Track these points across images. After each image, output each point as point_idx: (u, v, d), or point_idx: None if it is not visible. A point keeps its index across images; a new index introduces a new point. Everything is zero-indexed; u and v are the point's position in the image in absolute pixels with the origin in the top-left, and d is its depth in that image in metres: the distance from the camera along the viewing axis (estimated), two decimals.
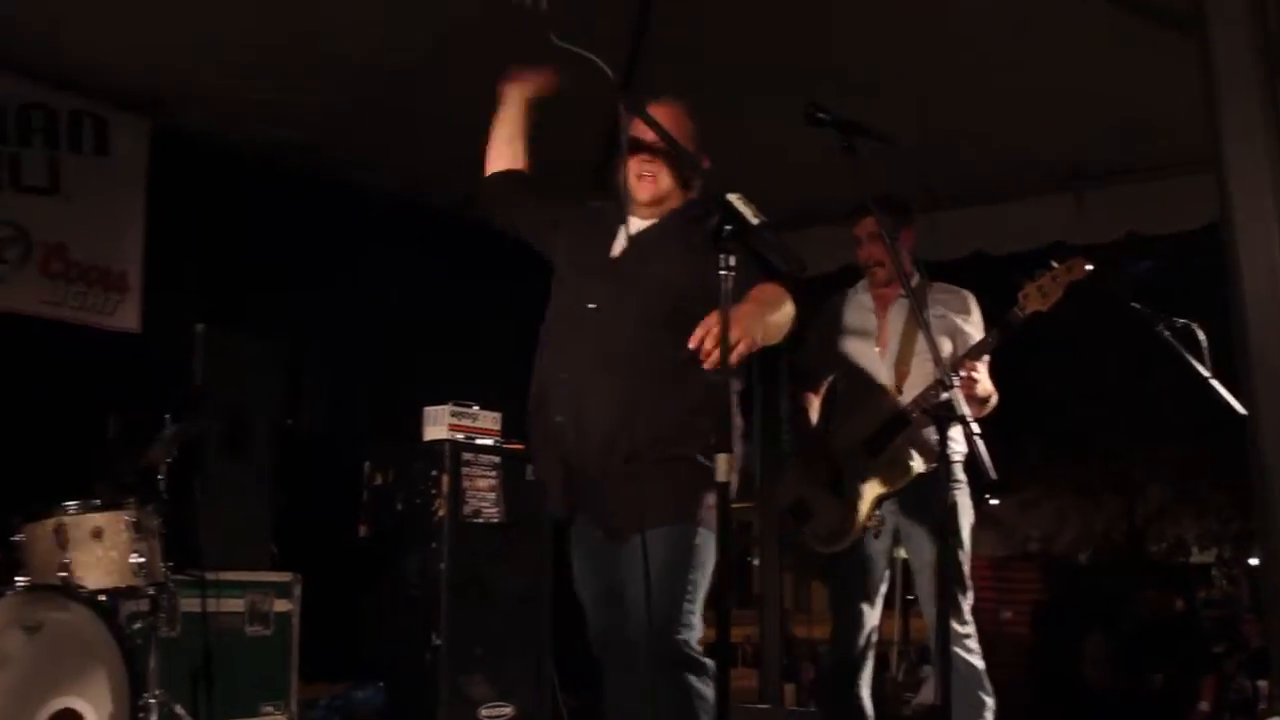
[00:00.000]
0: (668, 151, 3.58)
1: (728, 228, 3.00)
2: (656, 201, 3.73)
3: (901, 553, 5.03)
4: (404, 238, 7.89)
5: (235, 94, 6.62)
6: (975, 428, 3.54)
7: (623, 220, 3.75)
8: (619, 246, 3.72)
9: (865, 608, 4.80)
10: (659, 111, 3.57)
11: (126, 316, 6.70)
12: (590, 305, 3.61)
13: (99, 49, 6.19)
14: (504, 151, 3.93)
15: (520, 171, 3.94)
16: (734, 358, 3.12)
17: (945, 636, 4.30)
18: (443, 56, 6.17)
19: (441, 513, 6.43)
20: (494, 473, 6.61)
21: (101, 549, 4.47)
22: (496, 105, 3.97)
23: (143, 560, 4.48)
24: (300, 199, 7.42)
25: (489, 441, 6.68)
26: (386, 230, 7.82)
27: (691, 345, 3.17)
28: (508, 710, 6.50)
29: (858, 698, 4.80)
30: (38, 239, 6.40)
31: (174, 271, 6.86)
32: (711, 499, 3.15)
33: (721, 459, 2.92)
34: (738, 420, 3.44)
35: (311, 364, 7.41)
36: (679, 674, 3.32)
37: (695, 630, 3.36)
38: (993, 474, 3.50)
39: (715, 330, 3.10)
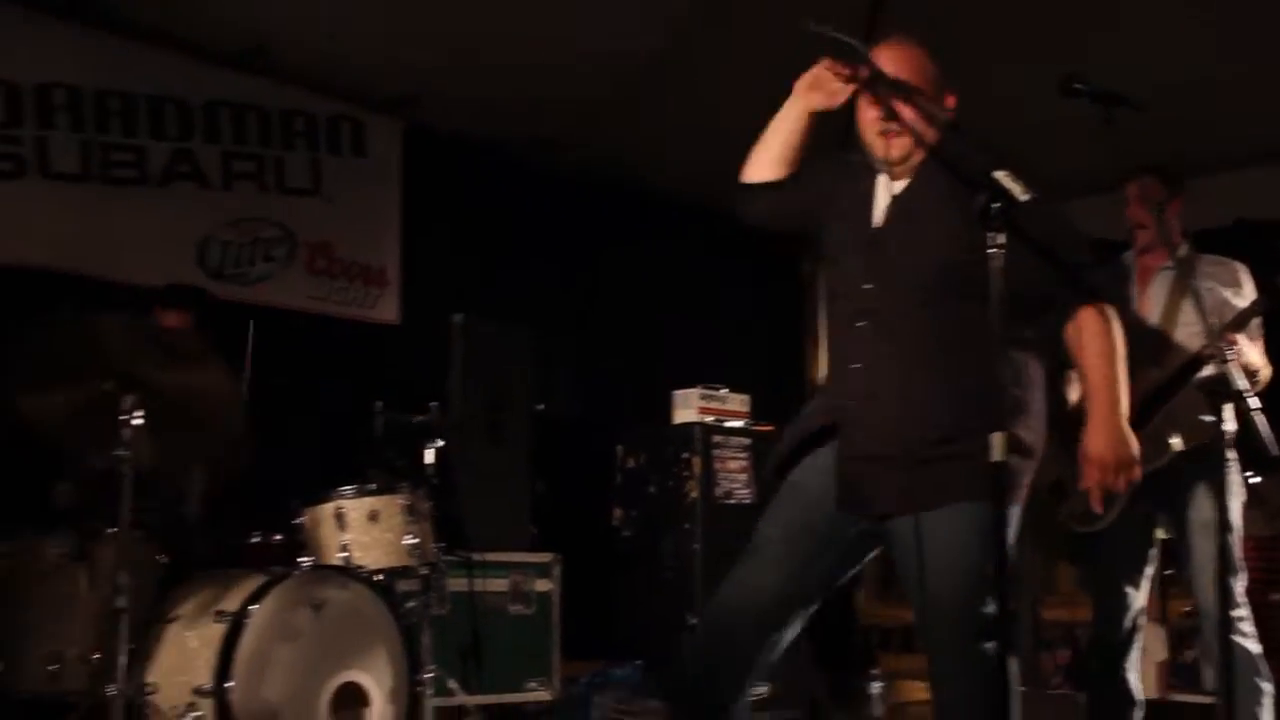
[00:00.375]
0: (908, 100, 3.23)
1: (995, 205, 2.87)
2: (905, 158, 3.34)
3: (1161, 533, 4.86)
4: (651, 225, 8.00)
5: (484, 92, 6.84)
6: (1254, 402, 3.38)
7: (875, 185, 3.40)
8: (880, 214, 3.37)
9: (1129, 589, 4.64)
10: (891, 52, 3.26)
11: (386, 309, 6.99)
12: (865, 285, 3.30)
13: (355, 54, 6.46)
14: (773, 162, 3.54)
15: (782, 182, 3.56)
16: (1124, 487, 3.18)
17: (1225, 623, 4.14)
18: (687, 50, 6.23)
19: (693, 495, 6.50)
20: (745, 454, 6.65)
21: (378, 531, 4.66)
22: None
23: (416, 541, 4.65)
24: (548, 191, 7.61)
25: (739, 424, 6.73)
26: (634, 218, 7.94)
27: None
28: (763, 690, 6.51)
29: (1124, 681, 4.66)
30: (302, 238, 6.72)
31: (430, 265, 7.11)
32: (1000, 476, 3.03)
33: (997, 437, 2.84)
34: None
35: (563, 351, 7.58)
36: (982, 648, 3.15)
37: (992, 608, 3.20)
38: (1274, 450, 3.35)
39: (1096, 486, 3.12)
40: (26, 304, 5.60)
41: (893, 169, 3.33)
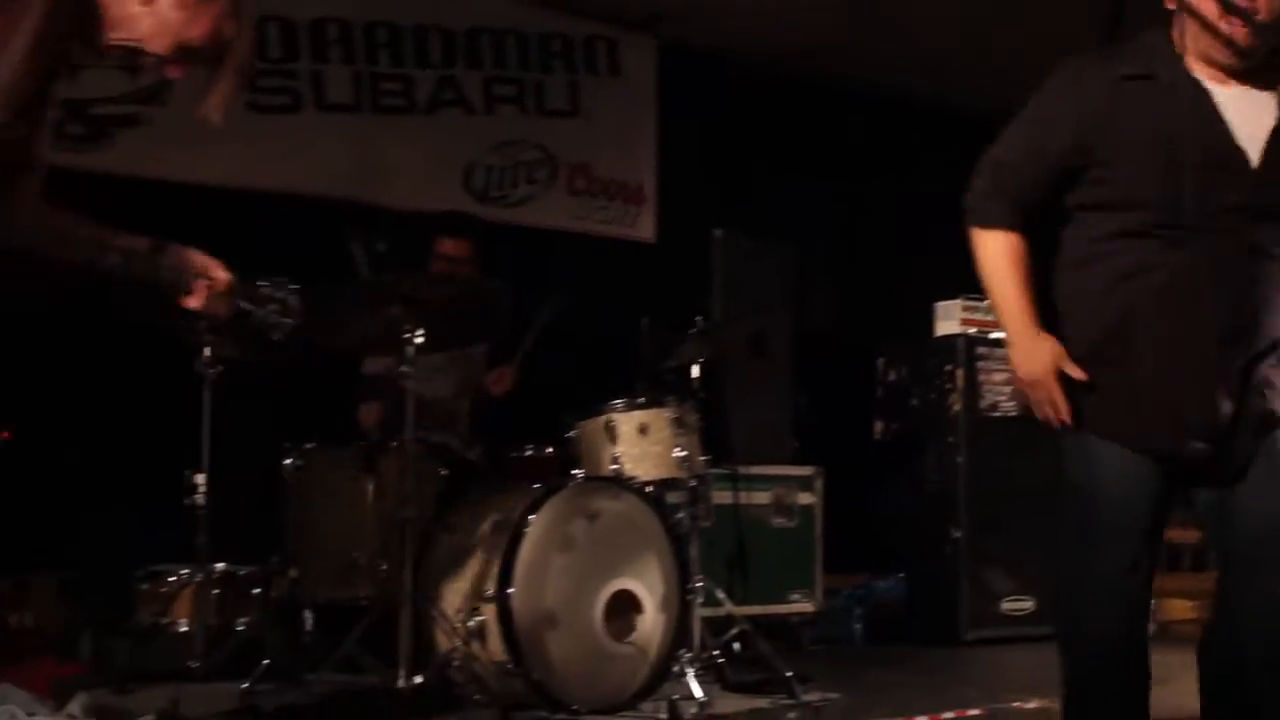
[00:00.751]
0: None
1: None
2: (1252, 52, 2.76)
3: None
4: (911, 133, 7.85)
5: (734, 5, 6.79)
6: None
7: (1196, 93, 2.76)
8: (1245, 127, 2.76)
9: None
10: None
11: (644, 227, 7.08)
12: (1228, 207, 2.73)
13: None
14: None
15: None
16: None
17: None
18: None
19: (957, 408, 6.42)
20: (1008, 366, 6.50)
21: (647, 443, 4.74)
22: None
23: (684, 454, 4.71)
24: (802, 102, 7.54)
25: (1002, 334, 6.56)
26: (893, 127, 7.81)
27: None
28: (1029, 604, 6.44)
29: None
30: (562, 159, 6.85)
31: (686, 180, 7.15)
32: None
33: None
34: None
35: (823, 263, 7.55)
36: None
37: None
38: None
39: None
40: (306, 231, 5.88)
41: (1233, 69, 2.77)
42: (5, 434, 4.55)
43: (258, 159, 5.95)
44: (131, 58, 2.30)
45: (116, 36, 2.26)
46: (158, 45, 2.29)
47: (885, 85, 7.75)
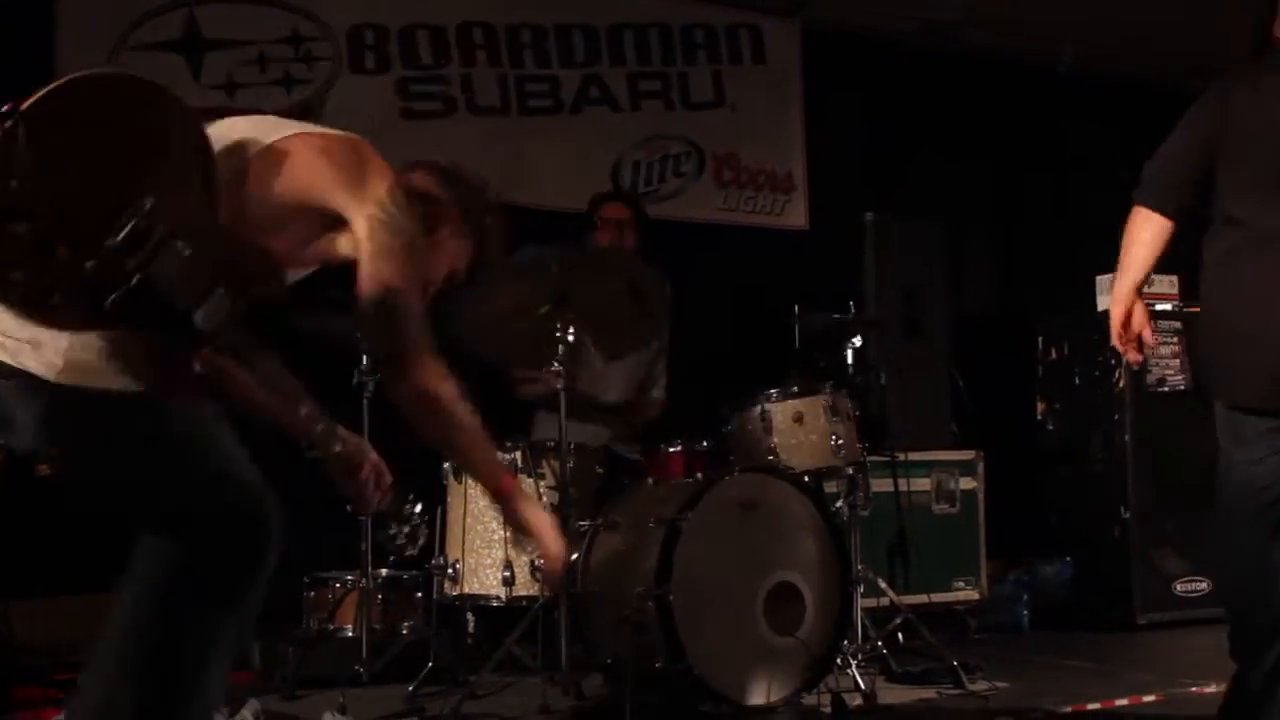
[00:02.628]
0: None
1: None
2: None
3: None
4: (1065, 104, 7.67)
5: None
6: None
7: None
8: None
9: None
10: None
11: (795, 214, 7.04)
12: None
13: None
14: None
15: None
16: None
17: None
18: None
19: (1122, 384, 6.26)
20: (1175, 338, 6.32)
21: (803, 432, 4.72)
22: None
23: (841, 442, 4.68)
24: (950, 78, 7.41)
25: (1168, 306, 6.39)
26: (1046, 98, 7.63)
27: None
28: (1203, 585, 6.26)
29: None
30: (709, 151, 6.85)
31: (835, 165, 7.09)
32: None
33: None
34: None
35: (978, 242, 7.42)
36: None
37: None
38: None
39: None
40: None
41: None
42: None
43: None
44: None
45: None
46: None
47: (1036, 56, 7.57)
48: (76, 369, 2.23)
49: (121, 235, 2.05)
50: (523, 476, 4.54)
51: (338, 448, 2.57)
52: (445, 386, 2.47)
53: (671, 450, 4.93)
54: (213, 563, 2.39)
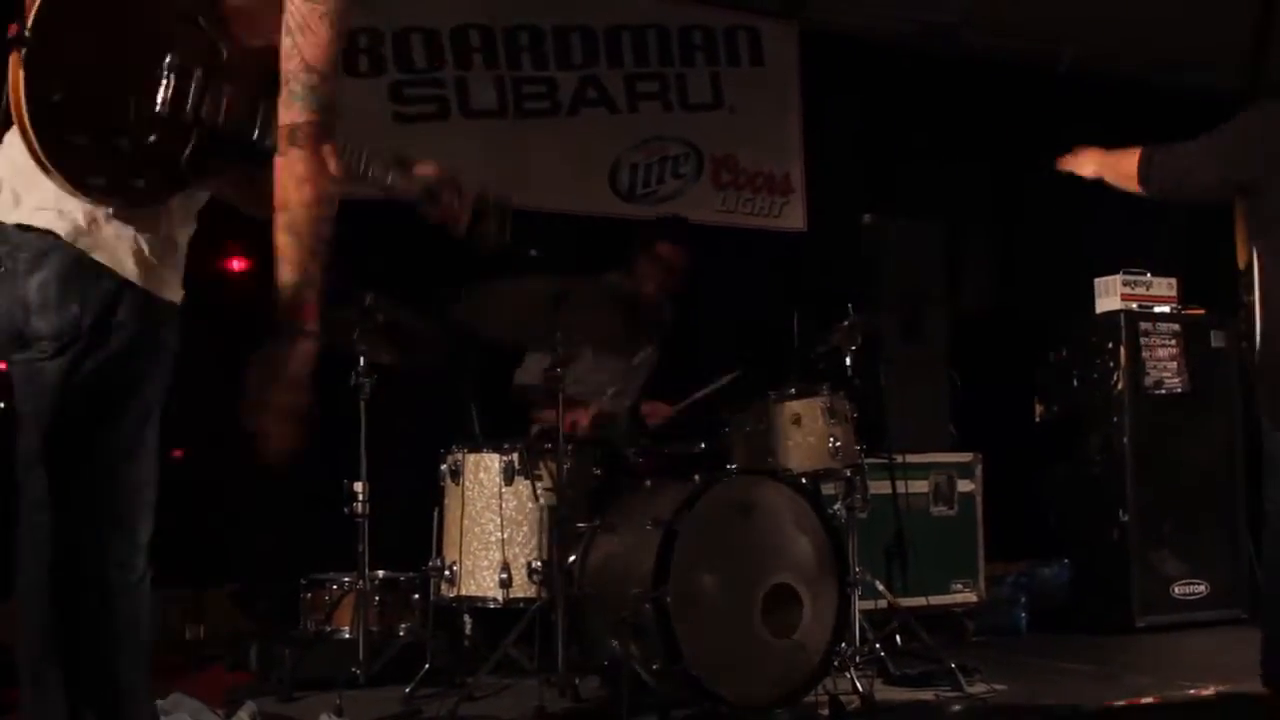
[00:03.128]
0: None
1: None
2: None
3: None
4: (1062, 104, 7.66)
5: None
6: None
7: None
8: None
9: None
10: None
11: (793, 216, 7.03)
12: None
13: None
14: None
15: None
16: None
17: None
18: None
19: (1121, 386, 6.24)
20: (1174, 341, 6.32)
21: (801, 434, 4.71)
22: None
23: (839, 444, 4.67)
24: (948, 79, 7.40)
25: (1166, 309, 6.39)
26: (1042, 100, 7.62)
27: None
28: (1201, 587, 6.25)
29: None
30: (707, 153, 6.84)
31: (833, 167, 7.08)
32: None
33: None
34: None
35: (976, 244, 7.41)
36: None
37: None
38: None
39: None
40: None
41: None
42: (177, 453, 4.69)
43: None
44: None
45: None
46: None
47: (1034, 57, 7.57)
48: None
49: (162, 101, 2.23)
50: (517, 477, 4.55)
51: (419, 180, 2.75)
52: (334, 186, 2.38)
53: (669, 451, 4.92)
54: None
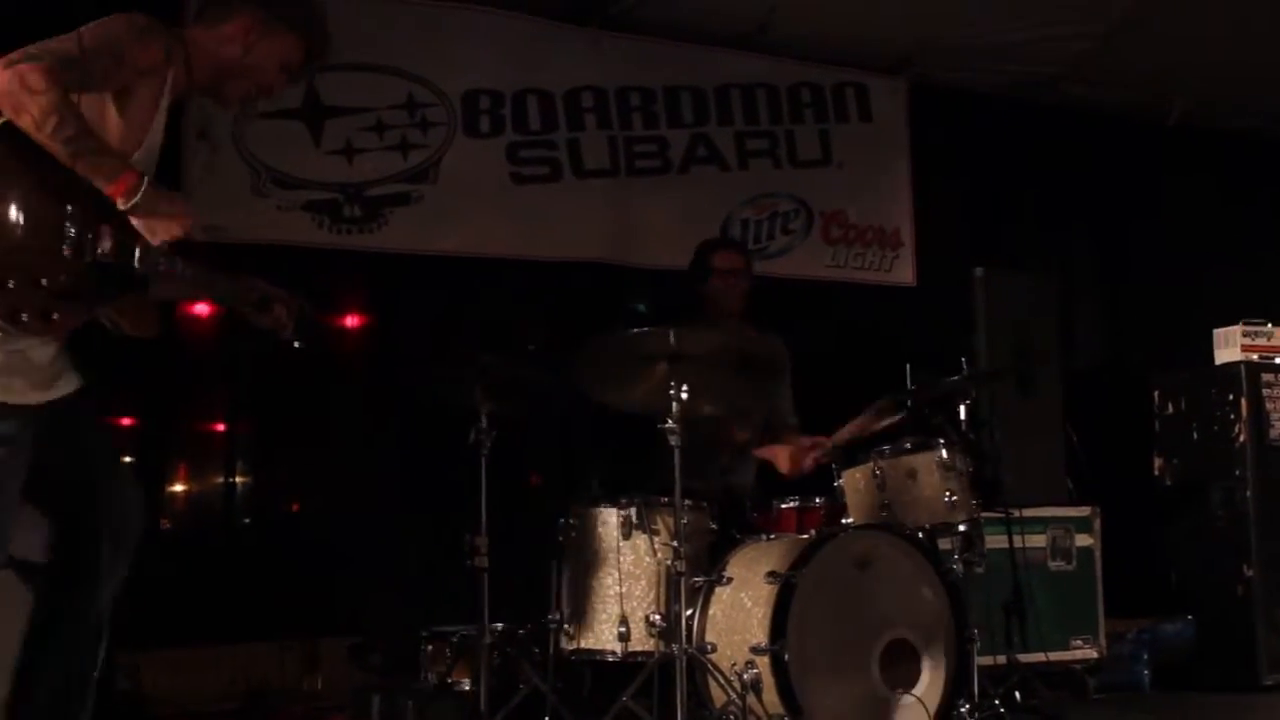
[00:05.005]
0: None
1: None
2: None
3: None
4: (1175, 156, 7.61)
5: (980, 41, 6.76)
6: None
7: None
8: None
9: None
10: None
11: (903, 270, 7.05)
12: None
13: (852, 20, 6.55)
14: None
15: None
16: None
17: None
18: None
19: (1243, 438, 6.14)
20: None
21: (916, 489, 4.70)
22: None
23: (955, 498, 4.66)
24: (1053, 131, 7.40)
25: None
26: (1152, 150, 7.58)
27: None
28: None
29: None
30: (817, 208, 6.88)
31: (944, 222, 7.09)
32: None
33: None
34: None
35: (1090, 296, 7.37)
36: None
37: None
38: None
39: None
40: (572, 295, 6.07)
41: None
42: (293, 507, 4.81)
43: (521, 229, 6.18)
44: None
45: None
46: None
47: (1142, 108, 7.53)
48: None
49: (68, 248, 2.71)
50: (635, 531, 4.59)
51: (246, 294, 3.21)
52: (32, 98, 2.66)
53: (784, 506, 4.94)
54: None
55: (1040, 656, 5.51)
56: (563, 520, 4.75)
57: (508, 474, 4.77)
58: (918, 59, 7.03)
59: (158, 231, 2.91)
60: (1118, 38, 6.69)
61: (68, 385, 2.94)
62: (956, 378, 5.00)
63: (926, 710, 4.21)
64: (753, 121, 6.76)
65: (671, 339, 4.31)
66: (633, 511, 4.62)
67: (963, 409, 4.95)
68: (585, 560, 4.68)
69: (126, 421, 5.60)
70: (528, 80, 6.29)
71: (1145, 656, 6.18)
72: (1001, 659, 5.19)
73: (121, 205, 2.80)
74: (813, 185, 6.88)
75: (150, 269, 2.87)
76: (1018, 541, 5.65)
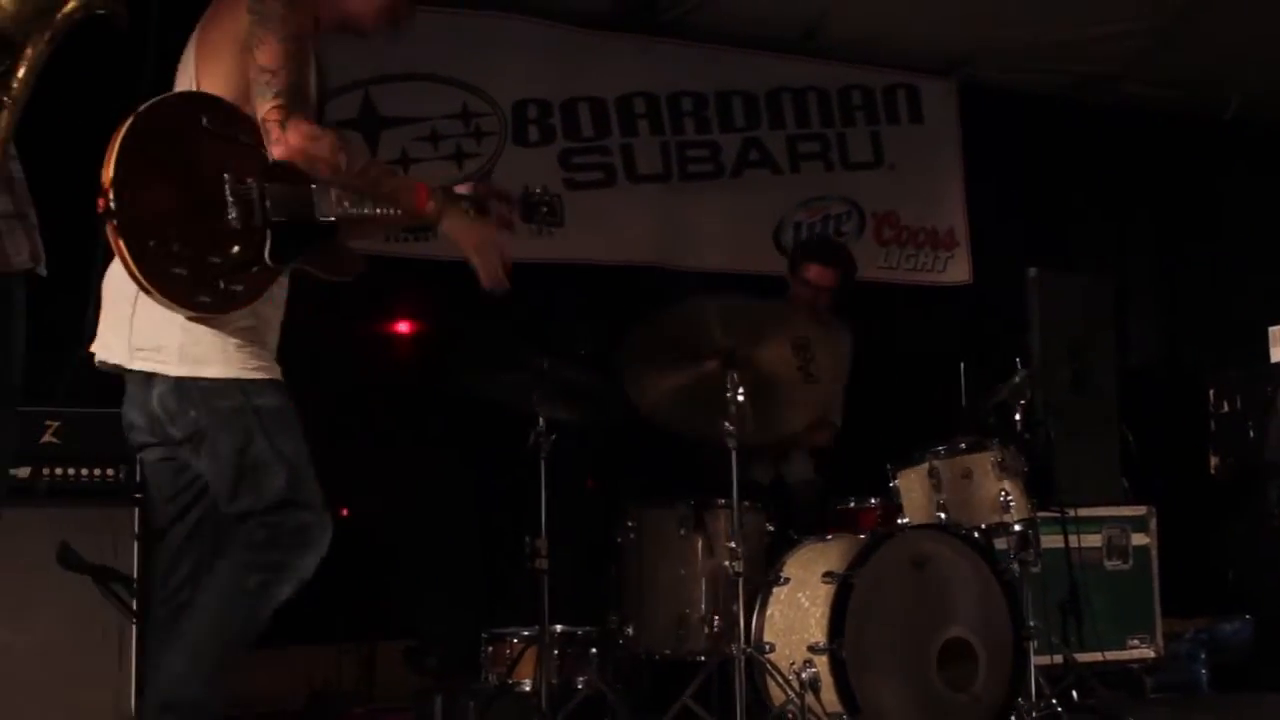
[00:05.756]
0: None
1: None
2: None
3: None
4: (1228, 152, 7.57)
5: (1033, 40, 6.76)
6: None
7: None
8: None
9: None
10: None
11: (957, 271, 7.05)
12: None
13: (902, 21, 6.57)
14: None
15: None
16: None
17: None
18: None
19: None
20: None
21: (971, 489, 4.73)
22: None
23: (1010, 498, 4.68)
24: (1107, 130, 7.37)
25: None
26: (1207, 146, 7.54)
27: None
28: None
29: None
30: (869, 210, 6.90)
31: (997, 221, 7.09)
32: None
33: None
34: None
35: (1144, 294, 7.34)
36: None
37: None
38: None
39: None
40: (624, 300, 6.12)
41: None
42: (343, 511, 4.87)
43: (575, 233, 6.23)
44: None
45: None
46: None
47: (1195, 106, 7.49)
48: (190, 360, 2.79)
49: (234, 213, 2.69)
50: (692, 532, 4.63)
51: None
52: (318, 145, 2.77)
53: (840, 507, 4.98)
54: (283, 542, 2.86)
55: (1097, 656, 5.51)
56: (621, 521, 4.80)
57: (565, 476, 4.82)
58: (969, 60, 7.02)
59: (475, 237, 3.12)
60: (1171, 33, 6.66)
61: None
62: (1015, 380, 5.01)
63: (985, 709, 4.23)
64: (804, 124, 6.78)
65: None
66: (690, 513, 4.67)
67: (1017, 408, 4.96)
68: (644, 561, 4.74)
69: None
70: (578, 88, 6.34)
71: (1203, 656, 6.16)
72: (1058, 658, 5.19)
73: (433, 216, 3.00)
74: (864, 187, 6.90)
75: (330, 213, 2.83)
76: (1073, 541, 5.64)
